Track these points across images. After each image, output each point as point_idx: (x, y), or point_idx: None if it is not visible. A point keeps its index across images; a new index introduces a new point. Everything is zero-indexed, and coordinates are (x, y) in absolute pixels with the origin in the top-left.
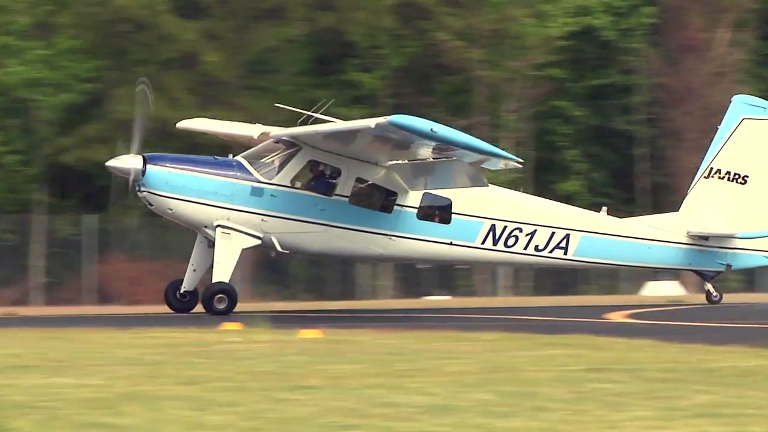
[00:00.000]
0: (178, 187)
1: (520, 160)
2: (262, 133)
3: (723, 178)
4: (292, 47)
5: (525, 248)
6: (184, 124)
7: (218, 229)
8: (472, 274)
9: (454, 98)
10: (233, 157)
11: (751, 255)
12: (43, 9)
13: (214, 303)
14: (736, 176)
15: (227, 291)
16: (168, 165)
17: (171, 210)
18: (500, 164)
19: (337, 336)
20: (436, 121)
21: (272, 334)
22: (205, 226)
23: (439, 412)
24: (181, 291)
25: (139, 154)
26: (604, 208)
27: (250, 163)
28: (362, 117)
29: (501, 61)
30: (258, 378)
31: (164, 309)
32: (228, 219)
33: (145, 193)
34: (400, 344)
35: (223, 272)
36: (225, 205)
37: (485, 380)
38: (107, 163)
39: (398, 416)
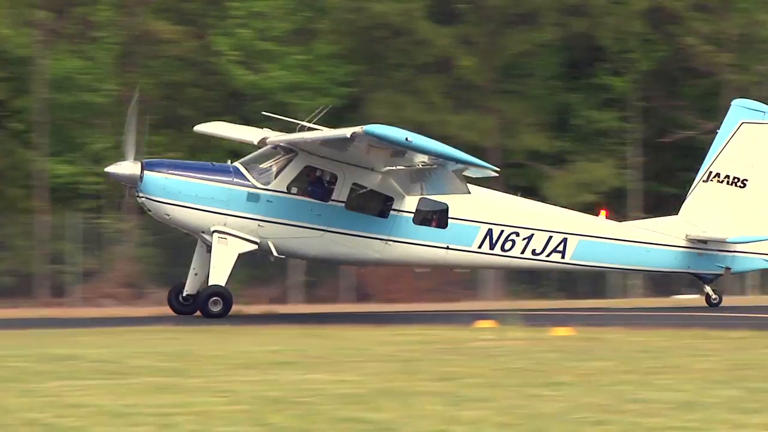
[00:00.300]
0: (174, 192)
1: (496, 169)
2: (261, 139)
3: (722, 181)
4: (545, 52)
5: (522, 252)
6: (200, 128)
7: (215, 234)
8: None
9: (703, 101)
10: (231, 163)
11: (750, 258)
12: (301, 15)
13: (209, 305)
14: (736, 180)
15: (222, 294)
16: (165, 171)
17: (168, 216)
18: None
19: (588, 334)
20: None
21: (525, 332)
22: (203, 232)
23: (687, 408)
24: (184, 294)
25: (138, 160)
26: (603, 212)
27: (247, 169)
28: (612, 120)
29: (749, 64)
30: (511, 374)
31: (421, 307)
32: (225, 224)
33: (143, 198)
34: (649, 342)
35: (218, 276)
36: (222, 211)
37: (733, 377)
38: (106, 169)
39: (647, 412)
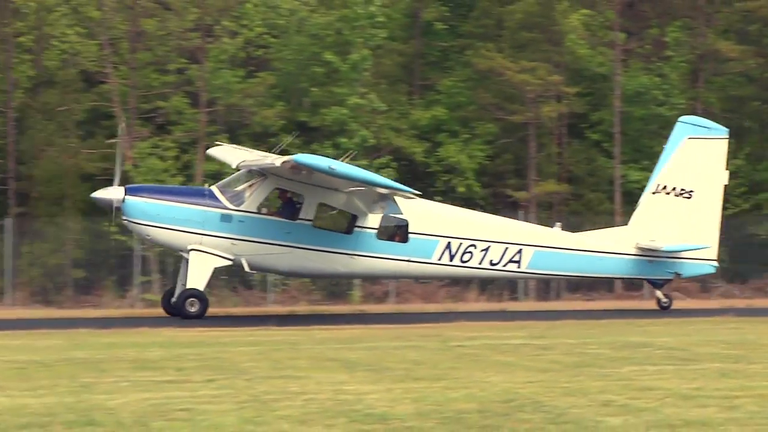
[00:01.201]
0: (153, 215)
1: (418, 193)
2: (239, 163)
3: (669, 193)
4: None
5: (480, 263)
6: (211, 152)
7: (191, 252)
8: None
9: None
10: (209, 187)
11: (698, 264)
12: None
13: (186, 306)
14: (682, 191)
15: (198, 296)
16: (144, 195)
17: (149, 236)
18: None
19: None
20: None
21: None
22: (181, 250)
23: None
24: (173, 300)
25: (121, 185)
26: (558, 224)
27: (221, 192)
28: None
29: None
30: None
31: None
32: (200, 243)
33: (126, 221)
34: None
35: (196, 281)
36: (197, 231)
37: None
38: (92, 195)
39: None
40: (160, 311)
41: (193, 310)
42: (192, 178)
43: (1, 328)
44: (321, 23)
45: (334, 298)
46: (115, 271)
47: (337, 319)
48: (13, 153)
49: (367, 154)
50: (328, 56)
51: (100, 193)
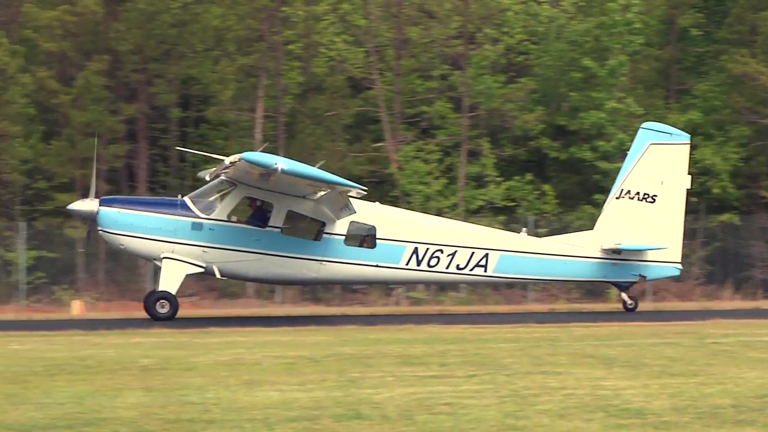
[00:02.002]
0: (126, 225)
1: (365, 189)
2: (209, 173)
3: (633, 198)
4: None
5: (447, 267)
6: (201, 174)
7: (164, 260)
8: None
9: None
10: (181, 197)
11: (662, 266)
12: None
13: (156, 308)
14: (646, 196)
15: (168, 298)
16: (117, 206)
17: (123, 245)
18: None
19: None
20: None
21: None
22: (154, 259)
23: None
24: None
25: (96, 197)
26: (524, 229)
27: (193, 202)
28: None
29: None
30: None
31: None
32: (173, 252)
33: (101, 231)
34: None
35: (168, 284)
36: (169, 239)
37: None
38: (68, 207)
39: None
40: (424, 309)
41: (163, 311)
42: (455, 180)
43: (271, 324)
44: (579, 30)
45: (592, 297)
46: None
47: (595, 317)
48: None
49: (623, 157)
50: (587, 62)
51: (75, 206)
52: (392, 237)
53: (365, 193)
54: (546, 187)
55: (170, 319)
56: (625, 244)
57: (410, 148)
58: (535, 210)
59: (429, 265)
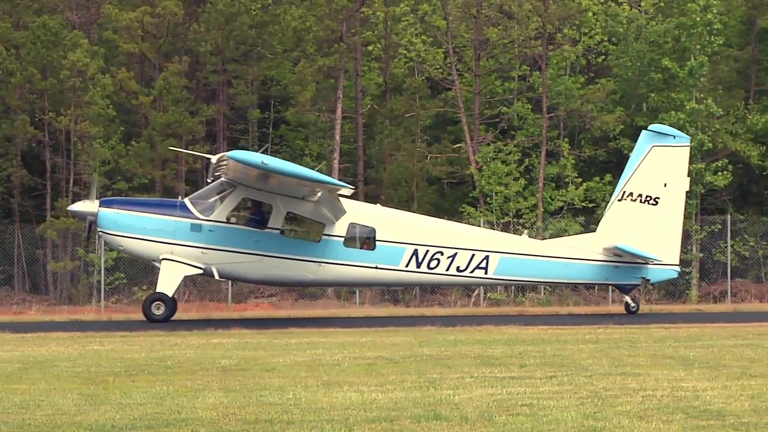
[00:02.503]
0: (125, 226)
1: (352, 188)
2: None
3: (635, 200)
4: None
5: (447, 269)
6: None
7: (163, 261)
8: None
9: None
10: (182, 199)
11: (663, 269)
12: None
13: (152, 309)
14: (648, 198)
15: (164, 300)
16: (116, 207)
17: (122, 246)
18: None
19: None
20: None
21: None
22: (153, 260)
23: None
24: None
25: (97, 199)
26: (526, 231)
27: (193, 203)
28: None
29: None
30: None
31: None
32: (172, 253)
33: (100, 232)
34: None
35: (165, 286)
36: (168, 241)
37: None
38: (68, 208)
39: None
40: (503, 310)
41: (158, 312)
42: (534, 181)
43: (351, 325)
44: (659, 30)
45: (672, 298)
46: None
47: (675, 318)
48: (362, 157)
49: (703, 158)
50: (666, 62)
51: (75, 207)
52: (392, 239)
53: (353, 191)
54: None
55: (166, 321)
56: (622, 245)
57: (489, 149)
58: None
59: (429, 267)
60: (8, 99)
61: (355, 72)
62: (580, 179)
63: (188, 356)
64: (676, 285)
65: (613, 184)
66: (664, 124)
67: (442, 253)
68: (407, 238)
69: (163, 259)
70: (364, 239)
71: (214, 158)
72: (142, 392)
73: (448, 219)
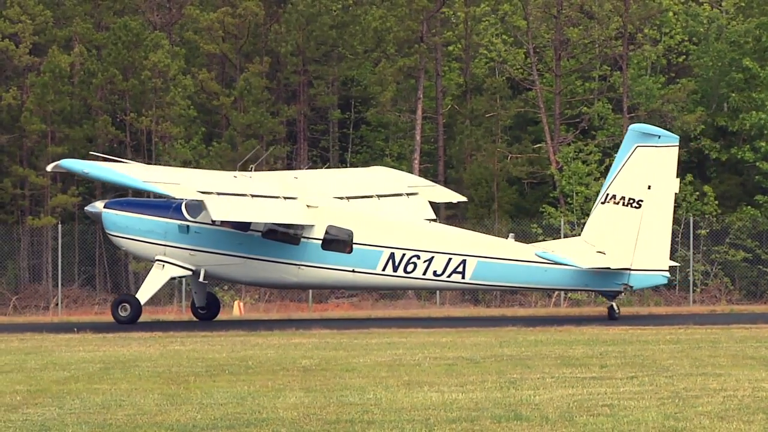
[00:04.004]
0: (123, 227)
1: (170, 194)
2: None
3: (618, 203)
4: None
5: (424, 274)
6: None
7: (156, 262)
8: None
9: None
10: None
11: (649, 275)
12: None
13: (118, 311)
14: (631, 201)
15: (130, 302)
16: (117, 209)
17: (123, 247)
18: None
19: None
20: None
21: None
22: (150, 260)
23: None
24: (197, 306)
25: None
26: (512, 235)
27: (186, 205)
28: None
29: None
30: None
31: None
32: (164, 254)
33: (106, 233)
34: None
35: (143, 290)
36: (160, 242)
37: None
38: (85, 208)
39: None
40: (584, 310)
41: (123, 314)
42: None
43: (432, 326)
44: (740, 30)
45: (753, 299)
46: None
47: (756, 318)
48: (442, 157)
49: None
50: (747, 62)
51: (88, 208)
52: (368, 242)
53: (174, 197)
54: (706, 188)
55: (131, 323)
56: (540, 251)
57: (570, 149)
58: (696, 211)
59: (405, 272)
60: (90, 100)
61: (436, 72)
62: None
63: (269, 356)
64: (758, 285)
65: (694, 184)
66: (745, 124)
67: (418, 257)
68: (384, 241)
69: (156, 260)
70: (342, 242)
71: (50, 167)
72: (223, 392)
73: (529, 220)
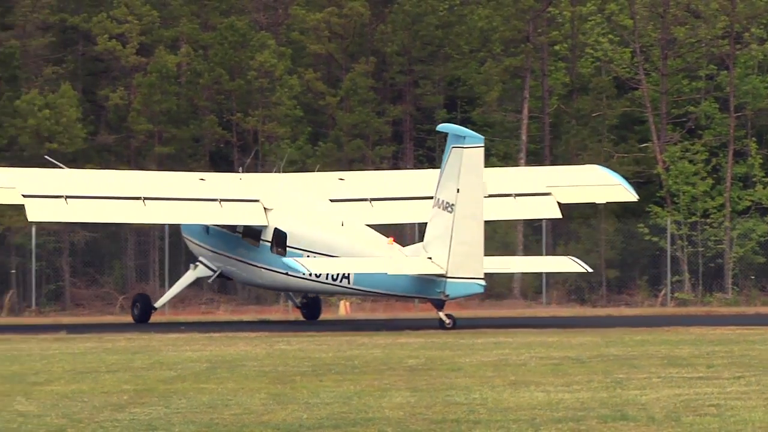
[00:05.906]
0: (187, 229)
1: (20, 203)
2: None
3: (439, 207)
4: None
5: (327, 278)
6: None
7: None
8: None
9: None
10: None
11: (465, 283)
12: None
13: (133, 308)
14: (447, 205)
15: (141, 301)
16: None
17: (192, 249)
18: None
19: None
20: None
21: None
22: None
23: None
24: (298, 303)
25: None
26: (390, 238)
27: None
28: None
29: None
30: None
31: None
32: (202, 255)
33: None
34: None
35: (169, 292)
36: (200, 243)
37: None
38: None
39: None
40: (691, 310)
41: (135, 312)
42: (722, 181)
43: (537, 325)
44: None
45: None
46: (648, 270)
47: None
48: (548, 157)
49: None
50: None
51: None
52: (296, 245)
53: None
54: None
55: (141, 322)
56: (286, 260)
57: (676, 148)
58: None
59: (316, 276)
60: (196, 100)
61: (542, 72)
62: None
63: (375, 356)
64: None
65: None
66: None
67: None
68: (302, 244)
69: (198, 262)
70: (279, 244)
71: None
72: (329, 392)
73: (635, 219)
